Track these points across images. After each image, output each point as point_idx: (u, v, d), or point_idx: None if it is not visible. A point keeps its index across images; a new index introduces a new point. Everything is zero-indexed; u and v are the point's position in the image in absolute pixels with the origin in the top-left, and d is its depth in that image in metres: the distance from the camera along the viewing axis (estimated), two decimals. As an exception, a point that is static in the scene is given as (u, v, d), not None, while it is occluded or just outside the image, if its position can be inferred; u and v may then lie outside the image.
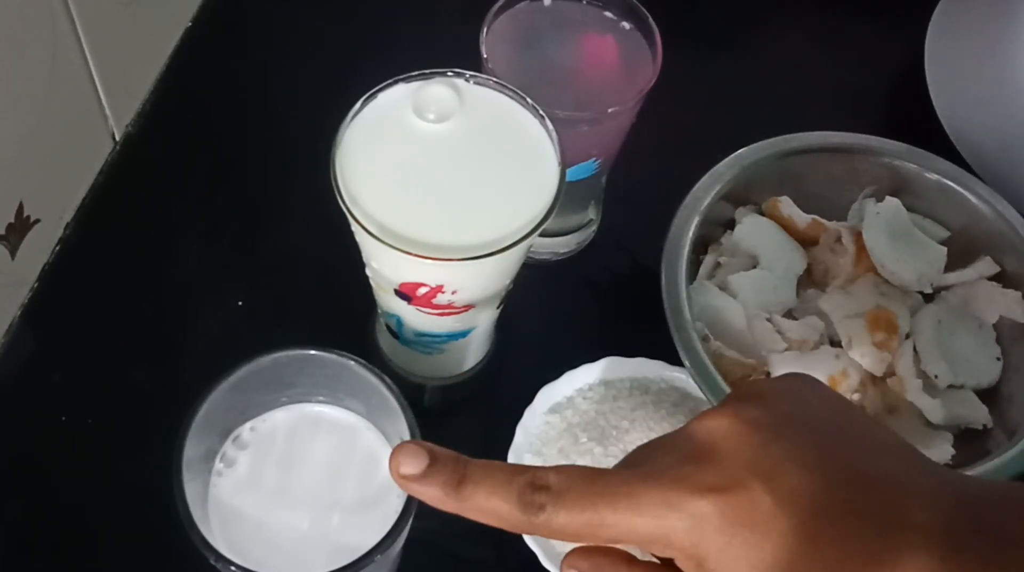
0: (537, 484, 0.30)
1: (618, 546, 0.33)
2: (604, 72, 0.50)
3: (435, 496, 0.31)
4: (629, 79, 0.49)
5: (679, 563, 0.30)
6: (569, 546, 0.47)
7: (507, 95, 0.42)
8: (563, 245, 0.59)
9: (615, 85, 0.49)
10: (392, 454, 0.32)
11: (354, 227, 0.40)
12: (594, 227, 0.60)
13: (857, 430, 0.32)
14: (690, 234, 0.52)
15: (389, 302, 0.45)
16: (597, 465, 0.49)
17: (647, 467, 0.31)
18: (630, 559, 0.33)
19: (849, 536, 0.28)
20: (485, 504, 0.31)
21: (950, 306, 0.54)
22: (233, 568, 0.35)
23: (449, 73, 0.42)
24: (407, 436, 0.38)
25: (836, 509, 0.28)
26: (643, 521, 0.29)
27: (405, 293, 0.43)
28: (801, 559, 0.28)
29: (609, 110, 0.47)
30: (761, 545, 0.28)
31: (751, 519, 0.28)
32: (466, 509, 0.31)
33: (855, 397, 0.50)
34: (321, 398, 0.42)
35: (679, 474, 0.29)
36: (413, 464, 0.32)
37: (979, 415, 0.51)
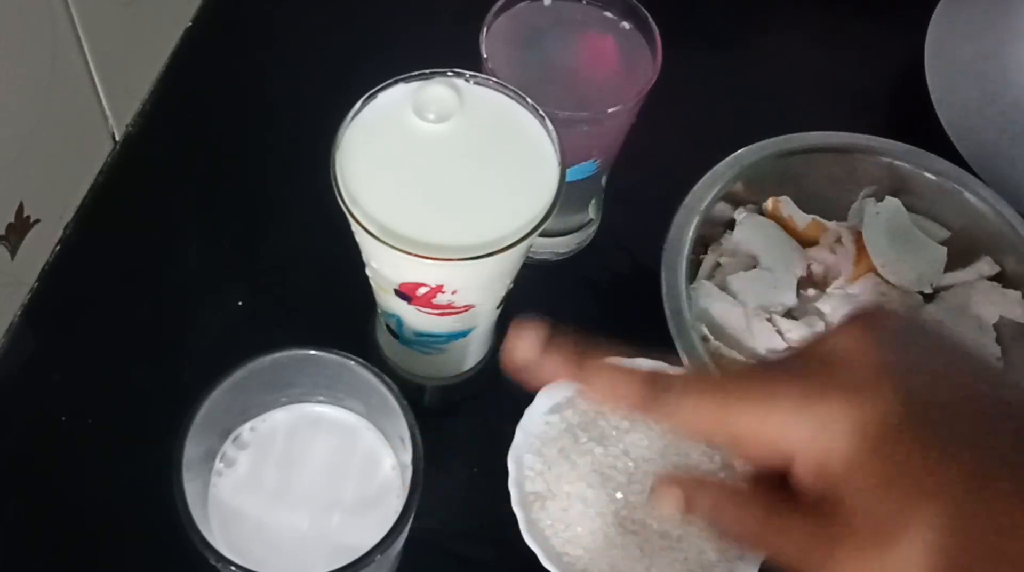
0: (664, 382, 0.32)
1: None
2: (604, 72, 0.50)
3: (555, 372, 0.33)
4: (629, 79, 0.49)
5: (798, 467, 0.30)
6: (568, 547, 0.47)
7: (507, 95, 0.42)
8: (563, 245, 0.59)
9: (615, 85, 0.49)
10: (505, 343, 0.33)
11: (354, 227, 0.40)
12: (594, 227, 0.60)
13: (965, 352, 0.32)
14: (690, 234, 0.53)
15: (389, 302, 0.45)
16: (597, 465, 0.49)
17: (779, 371, 0.31)
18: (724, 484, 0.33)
19: (979, 447, 0.28)
20: (612, 391, 0.32)
21: (950, 306, 0.54)
22: (233, 568, 0.35)
23: (449, 73, 0.42)
24: (407, 436, 0.38)
25: (964, 424, 0.28)
26: (773, 418, 0.29)
27: (405, 293, 0.43)
28: (928, 466, 0.27)
29: (609, 110, 0.47)
30: (892, 454, 0.28)
31: (883, 426, 0.28)
32: (590, 391, 0.33)
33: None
34: (321, 398, 0.42)
35: (808, 378, 0.30)
36: (527, 348, 0.33)
37: (979, 415, 0.51)
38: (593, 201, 0.59)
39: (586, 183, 0.53)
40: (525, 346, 0.32)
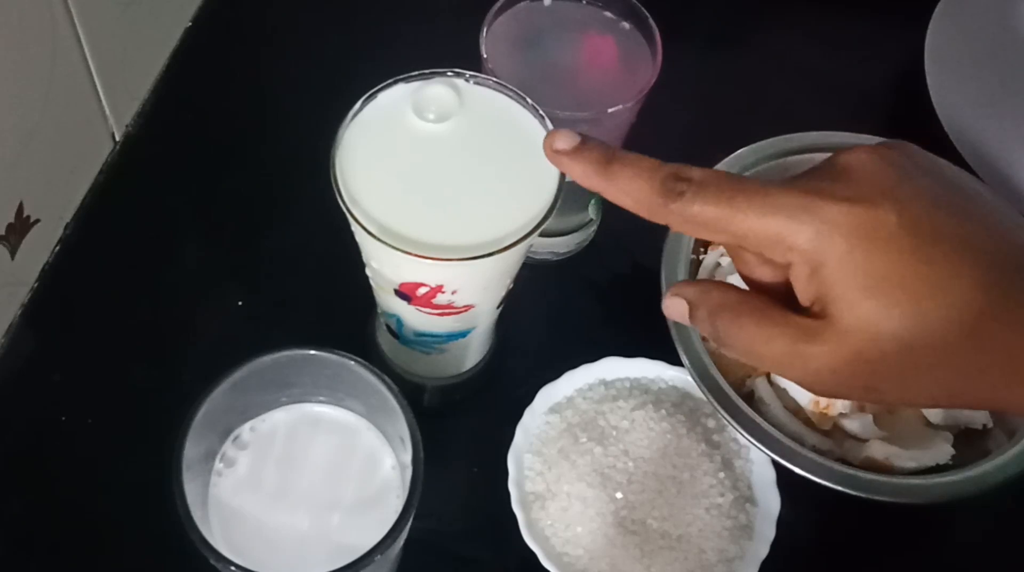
0: (681, 175, 0.33)
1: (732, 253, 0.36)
2: (604, 72, 0.50)
3: (584, 171, 0.34)
4: (629, 79, 0.49)
5: (794, 270, 0.32)
6: (568, 547, 0.47)
7: (507, 95, 0.42)
8: (563, 245, 0.59)
9: (615, 85, 0.49)
10: (547, 136, 0.36)
11: (354, 227, 0.40)
12: (594, 227, 0.60)
13: (976, 189, 0.34)
14: (690, 234, 0.53)
15: (389, 302, 0.45)
16: (597, 465, 0.49)
17: (791, 178, 0.34)
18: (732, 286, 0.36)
19: (964, 262, 0.31)
20: (628, 184, 0.33)
21: (950, 306, 0.54)
22: (233, 568, 0.35)
23: (449, 73, 0.42)
24: (407, 436, 0.38)
25: (952, 241, 0.31)
26: (775, 221, 0.32)
27: (405, 293, 0.43)
28: (912, 278, 0.30)
29: (609, 110, 0.47)
30: (879, 258, 0.31)
31: (875, 233, 0.31)
32: (610, 187, 0.34)
33: (855, 397, 0.50)
34: (321, 398, 0.42)
35: (817, 186, 0.32)
36: (567, 141, 0.35)
37: (979, 415, 0.50)
38: (593, 201, 0.59)
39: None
40: (564, 137, 0.35)
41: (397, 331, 0.48)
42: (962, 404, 0.34)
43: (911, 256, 0.31)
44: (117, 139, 0.61)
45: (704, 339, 0.50)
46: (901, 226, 0.31)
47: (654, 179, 0.33)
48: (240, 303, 0.56)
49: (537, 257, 0.59)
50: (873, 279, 0.31)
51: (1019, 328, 0.31)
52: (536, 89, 0.43)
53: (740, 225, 0.32)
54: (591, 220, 0.60)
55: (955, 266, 0.31)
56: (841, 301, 0.31)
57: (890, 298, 0.31)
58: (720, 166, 0.54)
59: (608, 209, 0.60)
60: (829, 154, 0.55)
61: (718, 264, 0.55)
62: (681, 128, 0.61)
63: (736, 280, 0.53)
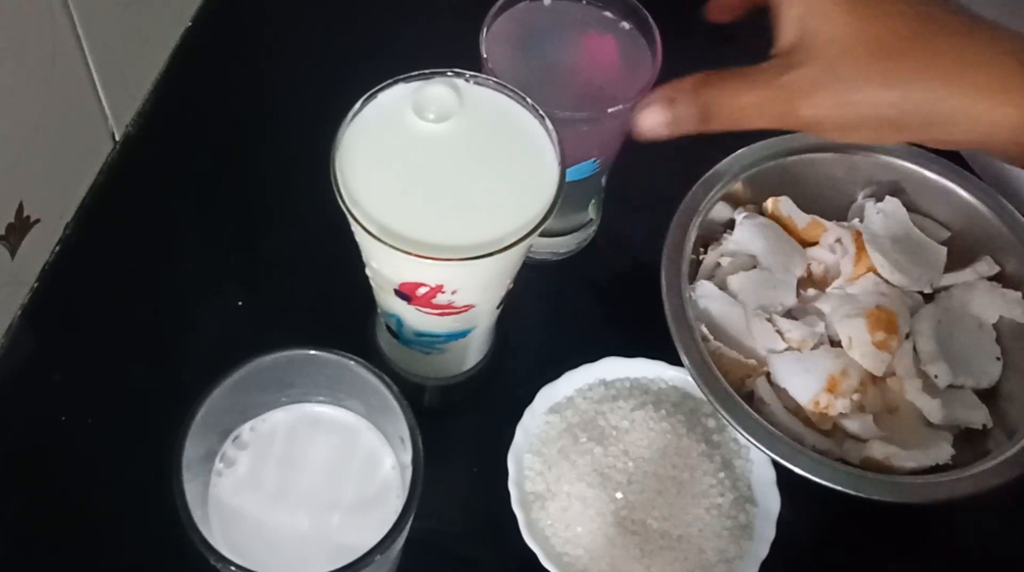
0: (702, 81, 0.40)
1: None
2: (604, 72, 0.50)
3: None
4: (629, 79, 0.49)
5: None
6: (568, 547, 0.47)
7: (507, 95, 0.42)
8: (563, 245, 0.59)
9: (615, 85, 0.49)
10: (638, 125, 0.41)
11: (354, 227, 0.40)
12: (594, 227, 0.60)
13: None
14: (690, 234, 0.53)
15: (389, 302, 0.45)
16: (597, 465, 0.49)
17: None
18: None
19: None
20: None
21: (950, 306, 0.54)
22: (233, 568, 0.35)
23: (449, 73, 0.42)
24: (407, 436, 0.38)
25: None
26: None
27: (405, 293, 0.43)
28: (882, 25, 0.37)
29: (609, 110, 0.47)
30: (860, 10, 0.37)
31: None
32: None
33: (855, 397, 0.50)
34: (321, 398, 0.42)
35: None
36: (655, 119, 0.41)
37: (979, 415, 0.51)
38: (593, 201, 0.59)
39: (586, 183, 0.53)
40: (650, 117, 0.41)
41: (397, 331, 0.48)
42: (915, 108, 0.37)
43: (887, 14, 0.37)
44: (117, 139, 0.61)
45: (704, 339, 0.50)
46: None
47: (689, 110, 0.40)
48: (240, 303, 0.56)
49: (537, 257, 0.59)
50: (840, 4, 0.37)
51: (957, 33, 0.37)
52: (536, 89, 0.43)
53: None
54: (591, 220, 0.60)
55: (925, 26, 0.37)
56: (815, 19, 0.38)
57: (854, 13, 0.37)
58: (720, 166, 0.54)
59: (608, 209, 0.60)
60: (830, 153, 0.56)
61: (718, 264, 0.55)
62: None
63: (736, 280, 0.53)
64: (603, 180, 0.57)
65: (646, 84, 0.48)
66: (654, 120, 0.41)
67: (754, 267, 0.54)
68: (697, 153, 0.55)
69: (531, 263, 0.55)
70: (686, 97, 0.40)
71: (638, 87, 0.48)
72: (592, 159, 0.51)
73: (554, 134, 0.41)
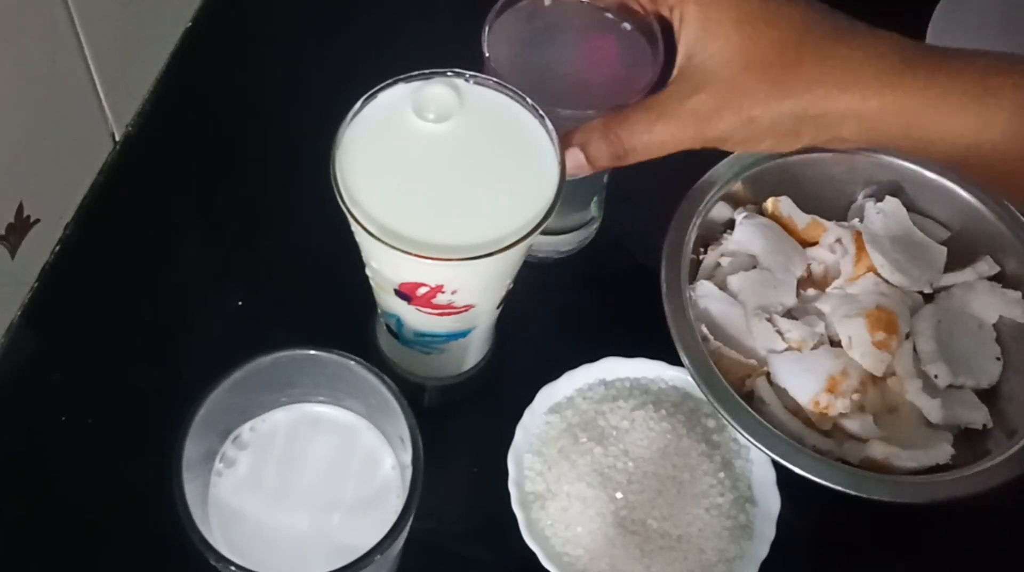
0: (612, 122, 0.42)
1: None
2: (606, 71, 0.50)
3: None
4: (631, 78, 0.49)
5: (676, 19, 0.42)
6: (568, 547, 0.47)
7: (507, 95, 0.42)
8: (565, 243, 0.59)
9: (618, 84, 0.49)
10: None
11: (354, 227, 0.40)
12: (596, 225, 0.60)
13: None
14: (690, 234, 0.53)
15: (389, 302, 0.45)
16: (597, 465, 0.49)
17: None
18: None
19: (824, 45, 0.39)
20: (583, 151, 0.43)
21: (950, 306, 0.54)
22: (233, 568, 0.35)
23: (449, 73, 0.42)
24: (407, 436, 0.38)
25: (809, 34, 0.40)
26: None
27: (405, 293, 0.43)
28: (757, 13, 0.40)
29: (611, 109, 0.47)
30: (733, 10, 0.40)
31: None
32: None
33: (855, 397, 0.50)
34: (321, 398, 0.42)
35: None
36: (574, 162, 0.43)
37: (979, 415, 0.51)
38: (595, 199, 0.59)
39: (589, 181, 0.53)
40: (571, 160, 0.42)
41: (397, 331, 0.48)
42: (816, 115, 0.40)
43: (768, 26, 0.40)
44: (117, 139, 0.61)
45: (704, 339, 0.50)
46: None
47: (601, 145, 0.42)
48: (240, 303, 0.56)
49: (538, 255, 0.59)
50: (728, 23, 0.40)
51: (838, 36, 0.39)
52: (539, 88, 0.43)
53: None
54: (593, 218, 0.60)
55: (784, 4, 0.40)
56: (708, 39, 0.40)
57: (743, 31, 0.40)
58: (720, 166, 0.54)
59: (609, 209, 0.60)
60: (830, 153, 0.56)
61: (718, 264, 0.55)
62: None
63: (736, 280, 0.53)
64: (605, 178, 0.57)
65: (648, 83, 0.48)
66: (573, 162, 0.42)
67: (754, 267, 0.54)
68: (697, 153, 0.55)
69: (533, 261, 0.56)
70: (597, 139, 0.42)
71: (641, 86, 0.48)
72: None
73: (554, 134, 0.41)
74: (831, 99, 0.39)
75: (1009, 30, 0.66)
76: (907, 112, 0.38)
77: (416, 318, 0.45)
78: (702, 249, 0.55)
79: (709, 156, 0.55)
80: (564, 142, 0.42)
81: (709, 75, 0.40)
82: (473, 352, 0.52)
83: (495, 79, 0.43)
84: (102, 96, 0.58)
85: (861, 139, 0.40)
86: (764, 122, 0.40)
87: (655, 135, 0.41)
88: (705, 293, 0.53)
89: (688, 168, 0.54)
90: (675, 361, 0.49)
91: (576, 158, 0.42)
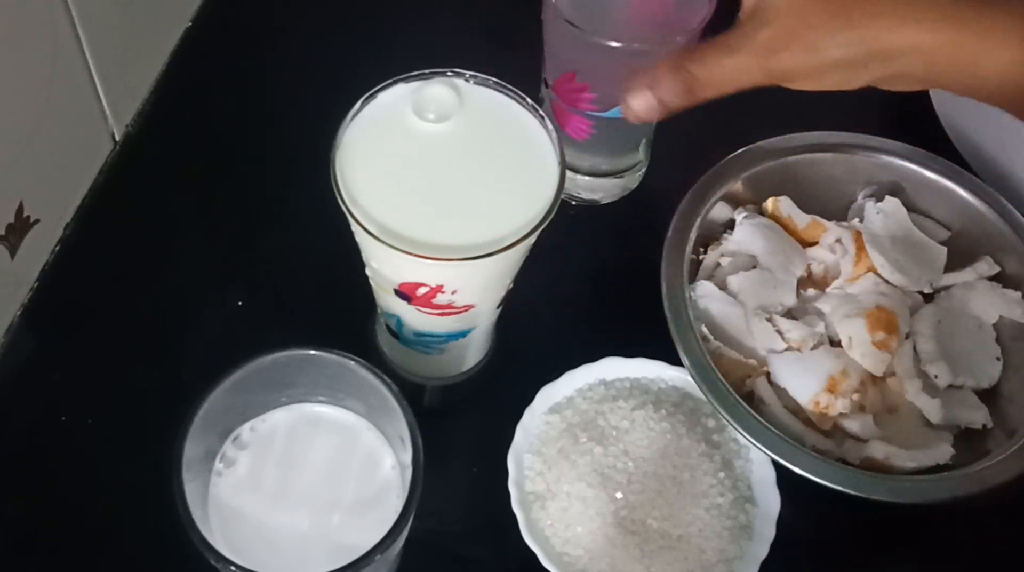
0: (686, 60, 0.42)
1: None
2: (661, 6, 0.52)
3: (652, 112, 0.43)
4: (686, 14, 0.50)
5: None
6: (568, 547, 0.47)
7: (507, 95, 0.42)
8: (612, 188, 0.60)
9: (672, 20, 0.50)
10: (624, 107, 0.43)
11: (354, 227, 0.40)
12: (643, 170, 0.60)
13: None
14: (690, 234, 0.53)
15: (389, 302, 0.45)
16: (597, 465, 0.49)
17: None
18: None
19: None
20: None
21: (950, 306, 0.54)
22: (233, 568, 0.35)
23: (449, 73, 0.42)
24: (407, 436, 0.38)
25: None
26: None
27: (405, 293, 0.43)
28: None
29: (664, 43, 0.48)
30: None
31: None
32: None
33: (855, 397, 0.50)
34: (321, 398, 0.42)
35: None
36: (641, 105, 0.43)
37: (979, 415, 0.51)
38: (644, 141, 0.59)
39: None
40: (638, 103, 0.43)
41: (397, 331, 0.48)
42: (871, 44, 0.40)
43: None
44: (117, 139, 0.61)
45: (704, 339, 0.50)
46: None
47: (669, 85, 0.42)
48: (240, 303, 0.56)
49: (584, 199, 0.60)
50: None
51: None
52: (595, 20, 0.45)
53: None
54: (640, 162, 0.60)
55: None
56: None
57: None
58: (720, 166, 0.55)
59: (609, 208, 0.60)
60: (830, 153, 0.56)
61: (718, 264, 0.55)
62: (681, 129, 0.61)
63: (736, 280, 0.53)
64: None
65: (702, 19, 0.49)
66: (643, 103, 0.42)
67: (754, 267, 0.54)
68: (697, 153, 0.55)
69: (580, 204, 0.58)
70: (669, 75, 0.42)
71: (695, 22, 0.49)
72: None
73: (554, 134, 0.42)
74: (892, 32, 0.39)
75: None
76: (959, 46, 0.39)
77: (416, 318, 0.45)
78: (702, 249, 0.55)
79: (709, 156, 0.55)
80: (627, 88, 0.42)
81: (776, 10, 0.41)
82: (473, 352, 0.52)
83: (495, 79, 0.43)
84: (102, 96, 0.58)
85: (920, 74, 0.40)
86: (830, 55, 0.40)
87: (726, 69, 0.42)
88: (705, 293, 0.53)
89: (688, 168, 0.55)
90: (675, 361, 0.49)
91: (646, 99, 0.42)
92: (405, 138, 0.41)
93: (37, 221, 0.55)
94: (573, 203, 0.60)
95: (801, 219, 0.56)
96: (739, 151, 0.55)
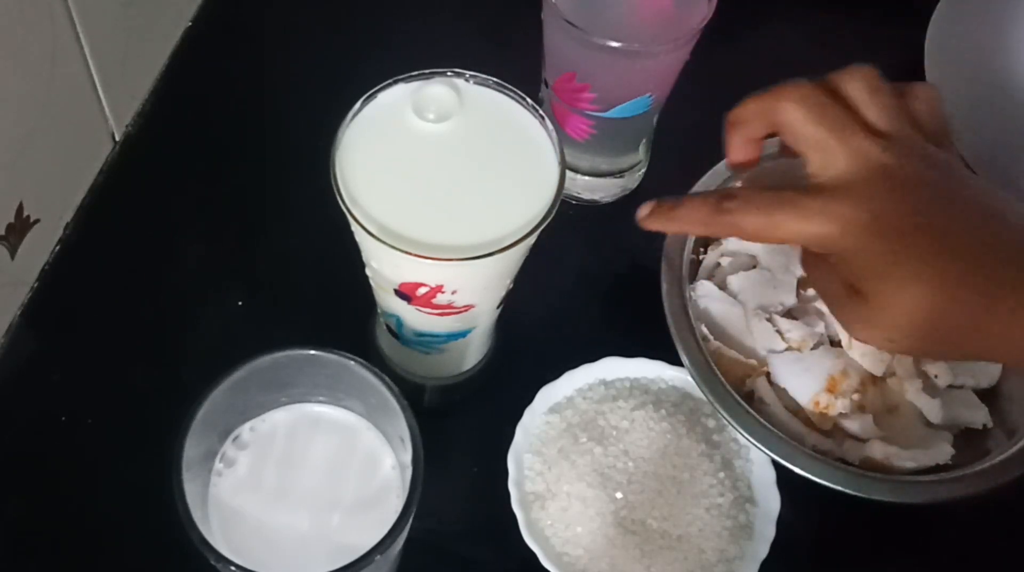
0: (727, 194, 0.39)
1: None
2: (660, 8, 0.52)
3: (662, 226, 0.42)
4: (685, 16, 0.50)
5: (835, 262, 0.38)
6: (568, 547, 0.47)
7: (507, 95, 0.42)
8: (613, 187, 0.60)
9: (671, 22, 0.50)
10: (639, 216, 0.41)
11: (354, 227, 0.40)
12: (643, 170, 0.60)
13: (969, 183, 0.39)
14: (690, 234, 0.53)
15: (389, 302, 0.45)
16: (597, 465, 0.49)
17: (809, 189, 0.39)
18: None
19: (982, 267, 0.36)
20: (690, 215, 0.40)
21: (950, 306, 0.54)
22: (233, 568, 0.35)
23: (449, 73, 0.42)
24: (407, 436, 0.38)
25: (967, 244, 0.36)
26: (808, 226, 0.37)
27: (405, 293, 0.43)
28: (927, 274, 0.36)
29: (662, 45, 0.49)
30: (895, 250, 0.36)
31: (890, 229, 0.36)
32: (675, 223, 0.41)
33: (855, 397, 0.50)
34: (321, 398, 0.42)
35: (835, 191, 0.38)
36: (647, 211, 0.41)
37: (979, 415, 0.51)
38: (644, 141, 0.59)
39: (639, 120, 0.54)
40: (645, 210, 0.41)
41: (397, 331, 0.48)
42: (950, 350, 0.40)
43: (927, 251, 0.36)
44: (117, 139, 0.61)
45: (704, 339, 0.50)
46: (916, 225, 0.36)
47: (708, 204, 0.39)
48: (240, 303, 0.56)
49: (584, 200, 0.60)
50: (884, 262, 0.36)
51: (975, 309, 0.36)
52: (594, 20, 0.44)
53: (780, 231, 0.38)
54: (640, 162, 0.60)
55: (921, 262, 0.36)
56: (872, 279, 0.37)
57: (902, 273, 0.36)
58: (720, 166, 0.54)
59: (611, 207, 0.60)
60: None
61: (718, 264, 0.55)
62: (680, 129, 0.61)
63: (736, 280, 0.53)
64: (655, 120, 0.57)
65: (702, 19, 0.49)
66: (648, 208, 0.41)
67: (754, 267, 0.54)
68: (697, 153, 0.55)
69: (580, 204, 0.59)
70: (701, 200, 0.40)
71: (695, 22, 0.49)
72: (647, 95, 0.52)
73: (554, 134, 0.42)
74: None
75: (1010, 29, 0.66)
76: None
77: (416, 318, 0.45)
78: (702, 249, 0.55)
79: (710, 156, 0.55)
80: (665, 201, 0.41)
81: (882, 298, 0.38)
82: (473, 352, 0.52)
83: (495, 79, 0.43)
84: (102, 96, 0.58)
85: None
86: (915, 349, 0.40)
87: (779, 230, 0.39)
88: (705, 293, 0.53)
89: (688, 168, 0.55)
90: (675, 361, 0.49)
91: (652, 205, 0.41)
92: (405, 138, 0.41)
93: (37, 221, 0.55)
94: (573, 203, 0.60)
95: (801, 219, 0.56)
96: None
